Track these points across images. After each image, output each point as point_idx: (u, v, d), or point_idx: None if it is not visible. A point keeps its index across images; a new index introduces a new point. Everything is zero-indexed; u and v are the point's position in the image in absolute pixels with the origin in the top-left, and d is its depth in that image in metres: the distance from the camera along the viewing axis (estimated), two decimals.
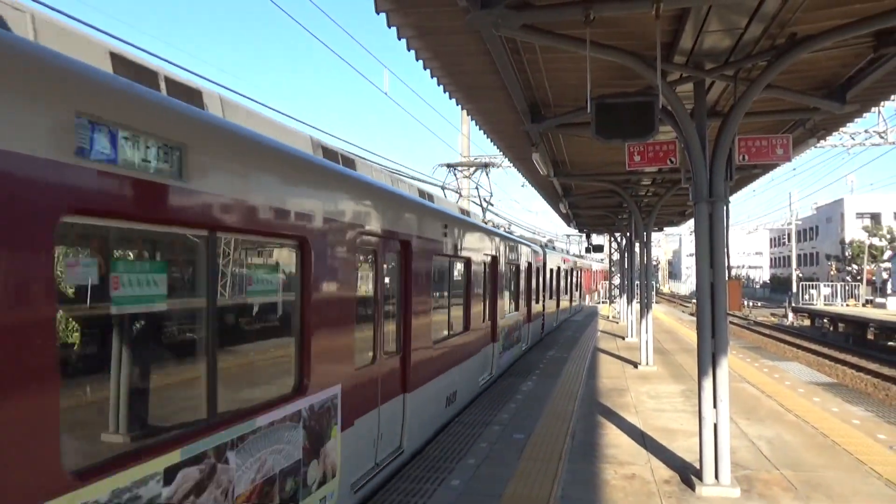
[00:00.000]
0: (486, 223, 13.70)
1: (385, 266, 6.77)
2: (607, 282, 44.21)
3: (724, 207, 6.48)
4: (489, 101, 8.69)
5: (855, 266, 57.53)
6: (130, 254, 3.54)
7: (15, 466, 2.53)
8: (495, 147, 12.41)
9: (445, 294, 9.32)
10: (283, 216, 4.49)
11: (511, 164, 15.20)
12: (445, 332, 9.18)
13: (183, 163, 3.51)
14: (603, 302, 43.70)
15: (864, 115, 9.88)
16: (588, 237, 32.70)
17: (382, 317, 6.63)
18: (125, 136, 3.11)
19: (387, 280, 6.89)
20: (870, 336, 33.03)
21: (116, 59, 3.72)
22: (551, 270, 22.50)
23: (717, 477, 6.25)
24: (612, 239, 33.31)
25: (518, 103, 8.25)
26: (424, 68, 7.24)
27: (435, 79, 7.66)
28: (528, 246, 17.30)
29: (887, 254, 55.69)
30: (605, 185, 14.58)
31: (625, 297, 24.67)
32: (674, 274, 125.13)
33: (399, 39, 6.34)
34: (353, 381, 5.67)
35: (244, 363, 4.42)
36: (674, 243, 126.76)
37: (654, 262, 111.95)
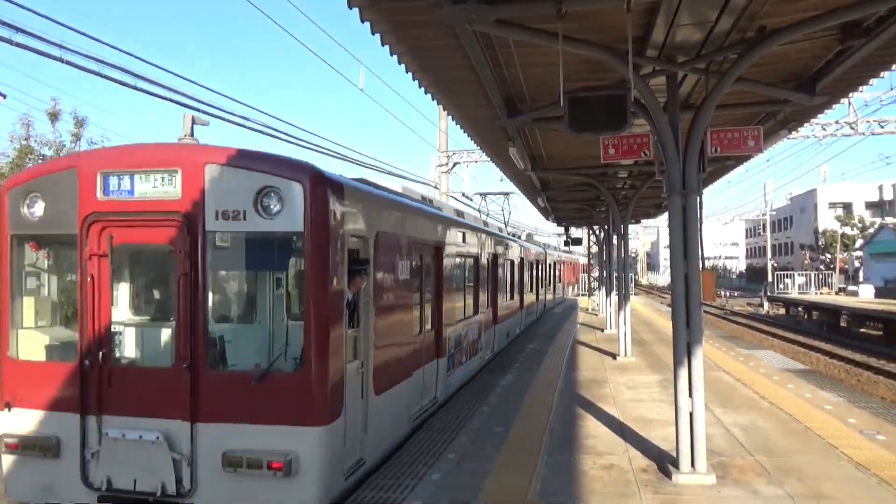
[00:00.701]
0: (510, 235, 21.25)
1: (491, 268, 14.41)
2: (586, 274, 44.56)
3: (698, 199, 6.55)
4: (465, 97, 8.69)
5: (828, 255, 58.55)
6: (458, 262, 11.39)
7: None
8: (473, 142, 12.44)
9: (504, 281, 16.46)
10: (481, 253, 12.96)
11: (489, 160, 15.27)
12: (504, 302, 16.24)
13: (463, 238, 11.55)
14: (582, 294, 43.95)
15: (834, 106, 10.07)
16: (567, 230, 32.92)
17: (489, 290, 14.10)
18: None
19: (490, 275, 14.30)
20: (843, 323, 33.61)
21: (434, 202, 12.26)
22: (549, 265, 29.95)
23: (693, 465, 6.33)
24: (591, 232, 33.52)
25: (494, 98, 8.25)
26: (399, 63, 7.22)
27: (410, 74, 7.64)
28: (536, 248, 25.50)
29: (859, 242, 56.74)
30: (583, 178, 14.66)
31: (603, 289, 24.84)
32: (652, 266, 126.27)
33: (373, 34, 6.31)
34: (483, 315, 13.25)
35: (471, 301, 12.42)
36: (652, 235, 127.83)
37: (633, 255, 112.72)
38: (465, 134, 11.22)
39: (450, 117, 10.16)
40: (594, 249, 35.75)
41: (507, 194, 25.37)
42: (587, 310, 30.71)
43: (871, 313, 30.69)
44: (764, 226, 67.54)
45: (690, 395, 6.39)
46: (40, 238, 6.35)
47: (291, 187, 5.59)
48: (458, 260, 11.13)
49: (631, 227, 21.91)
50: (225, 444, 5.49)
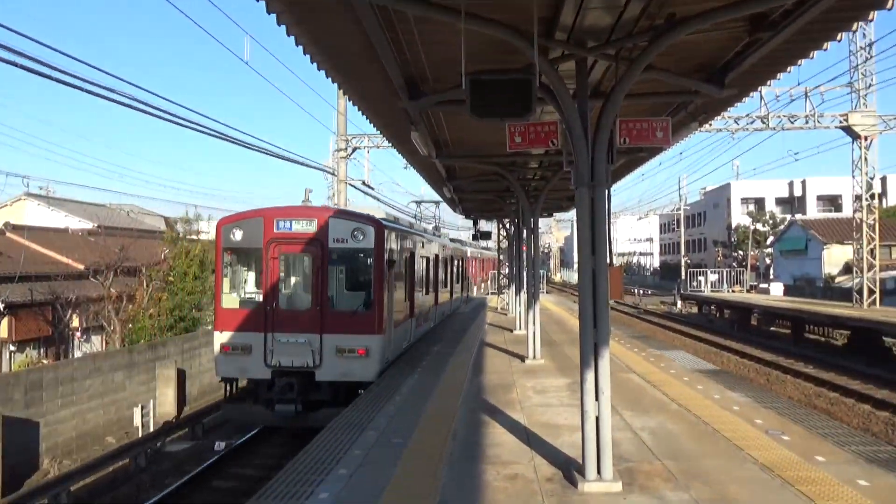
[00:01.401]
0: (439, 236, 29.28)
1: (434, 265, 21.42)
2: (496, 271, 45.36)
3: (606, 192, 6.78)
4: (363, 76, 8.58)
5: (740, 252, 62.35)
6: (429, 262, 20.79)
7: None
8: (373, 126, 12.35)
9: (441, 275, 23.40)
10: (429, 255, 20.58)
11: (391, 145, 15.21)
12: (441, 290, 23.24)
13: (422, 245, 19.44)
14: (492, 293, 44.69)
15: (744, 99, 10.67)
16: (476, 223, 33.36)
17: (435, 281, 21.96)
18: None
19: (434, 270, 21.50)
20: (753, 322, 35.93)
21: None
22: (470, 260, 38.84)
23: (599, 472, 6.56)
24: (501, 226, 34.11)
25: (394, 78, 8.20)
26: (288, 35, 7.03)
27: (301, 47, 7.47)
28: (464, 248, 35.00)
29: (770, 239, 60.85)
30: (491, 167, 14.84)
31: (513, 287, 25.36)
32: (566, 262, 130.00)
33: (257, 1, 6.12)
34: (430, 296, 21.04)
35: (426, 287, 20.29)
36: (566, 230, 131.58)
37: (545, 250, 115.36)
38: (364, 117, 11.13)
39: (348, 99, 10.04)
40: (504, 245, 36.42)
41: (438, 203, 34.54)
42: (497, 309, 31.26)
43: (781, 312, 33.01)
44: (678, 221, 71.11)
45: (597, 399, 6.62)
46: (237, 250, 13.43)
47: (368, 228, 13.05)
48: (419, 258, 17.98)
49: (544, 222, 22.76)
50: (336, 343, 12.55)
